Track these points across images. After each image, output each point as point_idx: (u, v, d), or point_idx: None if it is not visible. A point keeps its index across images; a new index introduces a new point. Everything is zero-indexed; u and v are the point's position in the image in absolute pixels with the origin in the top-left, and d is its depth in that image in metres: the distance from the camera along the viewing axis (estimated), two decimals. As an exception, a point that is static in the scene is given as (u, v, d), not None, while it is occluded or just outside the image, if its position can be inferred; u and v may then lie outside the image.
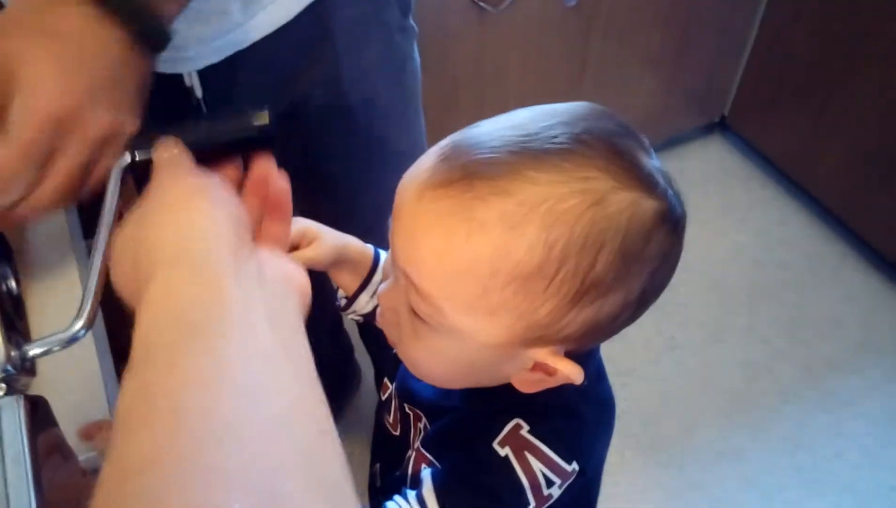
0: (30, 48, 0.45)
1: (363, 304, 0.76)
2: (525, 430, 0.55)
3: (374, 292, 0.75)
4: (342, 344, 1.53)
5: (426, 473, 0.58)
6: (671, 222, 0.49)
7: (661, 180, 0.49)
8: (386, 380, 0.75)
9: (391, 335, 0.57)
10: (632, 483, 1.52)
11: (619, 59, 1.82)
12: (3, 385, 0.41)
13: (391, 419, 0.73)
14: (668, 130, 2.08)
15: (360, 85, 0.95)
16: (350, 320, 0.81)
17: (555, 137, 0.47)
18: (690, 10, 1.81)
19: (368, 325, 0.79)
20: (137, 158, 0.46)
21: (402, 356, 0.57)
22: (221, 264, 0.33)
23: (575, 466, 0.55)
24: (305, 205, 1.13)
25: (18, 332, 0.44)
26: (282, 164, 1.23)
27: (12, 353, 0.42)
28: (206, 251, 0.34)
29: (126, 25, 0.47)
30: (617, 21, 1.72)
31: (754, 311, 1.80)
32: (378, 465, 0.81)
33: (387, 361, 0.75)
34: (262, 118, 0.51)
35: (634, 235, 0.47)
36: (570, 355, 0.53)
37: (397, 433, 0.72)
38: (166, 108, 0.92)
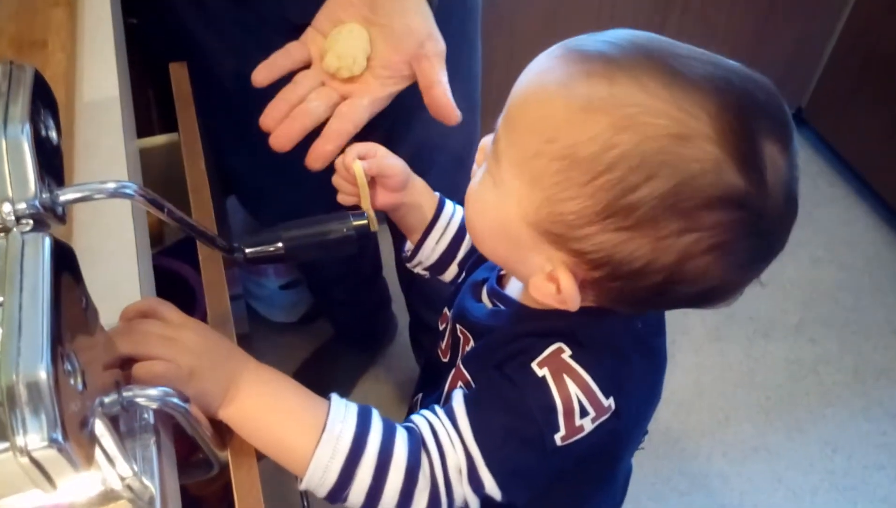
0: None
1: (428, 252, 0.74)
2: (567, 354, 0.53)
3: (440, 239, 0.74)
4: (381, 293, 1.53)
5: (457, 391, 0.58)
6: (747, 213, 0.46)
7: (768, 174, 0.45)
8: (445, 310, 0.74)
9: (472, 175, 0.59)
10: (655, 468, 1.48)
11: (696, 36, 1.74)
12: (31, 221, 0.41)
13: (443, 346, 0.72)
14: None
15: None
16: (390, 272, 0.80)
17: (693, 64, 0.46)
18: (776, -8, 1.74)
19: (411, 274, 0.78)
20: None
21: (466, 200, 0.58)
22: None
23: (612, 403, 0.53)
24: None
25: (53, 178, 0.44)
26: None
27: (44, 194, 0.42)
28: None
29: None
30: (698, -4, 1.67)
31: (807, 310, 1.74)
32: (420, 395, 0.80)
33: (447, 293, 0.75)
34: (361, 220, 0.59)
35: (693, 190, 0.45)
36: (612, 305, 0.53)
37: (447, 359, 0.71)
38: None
